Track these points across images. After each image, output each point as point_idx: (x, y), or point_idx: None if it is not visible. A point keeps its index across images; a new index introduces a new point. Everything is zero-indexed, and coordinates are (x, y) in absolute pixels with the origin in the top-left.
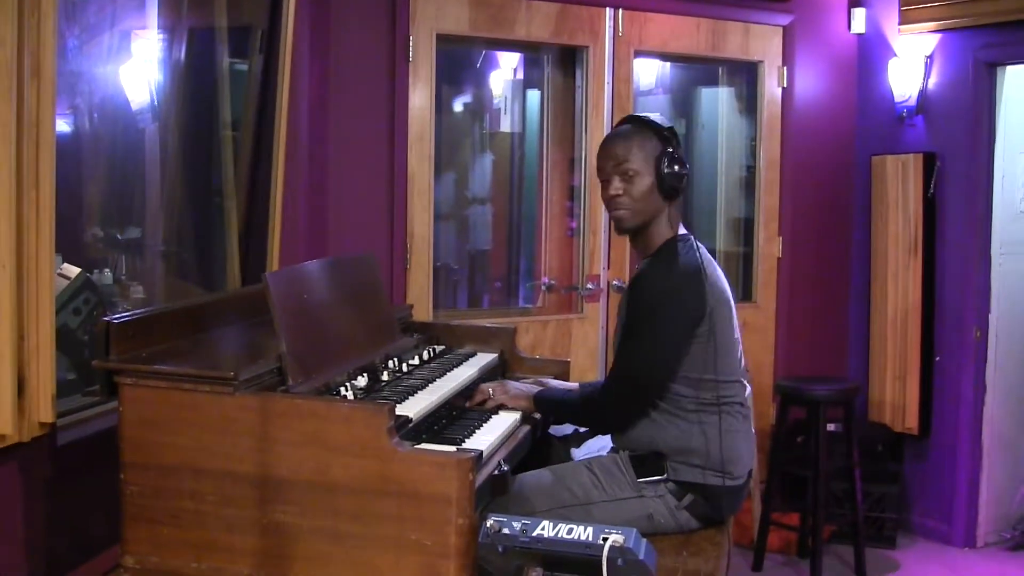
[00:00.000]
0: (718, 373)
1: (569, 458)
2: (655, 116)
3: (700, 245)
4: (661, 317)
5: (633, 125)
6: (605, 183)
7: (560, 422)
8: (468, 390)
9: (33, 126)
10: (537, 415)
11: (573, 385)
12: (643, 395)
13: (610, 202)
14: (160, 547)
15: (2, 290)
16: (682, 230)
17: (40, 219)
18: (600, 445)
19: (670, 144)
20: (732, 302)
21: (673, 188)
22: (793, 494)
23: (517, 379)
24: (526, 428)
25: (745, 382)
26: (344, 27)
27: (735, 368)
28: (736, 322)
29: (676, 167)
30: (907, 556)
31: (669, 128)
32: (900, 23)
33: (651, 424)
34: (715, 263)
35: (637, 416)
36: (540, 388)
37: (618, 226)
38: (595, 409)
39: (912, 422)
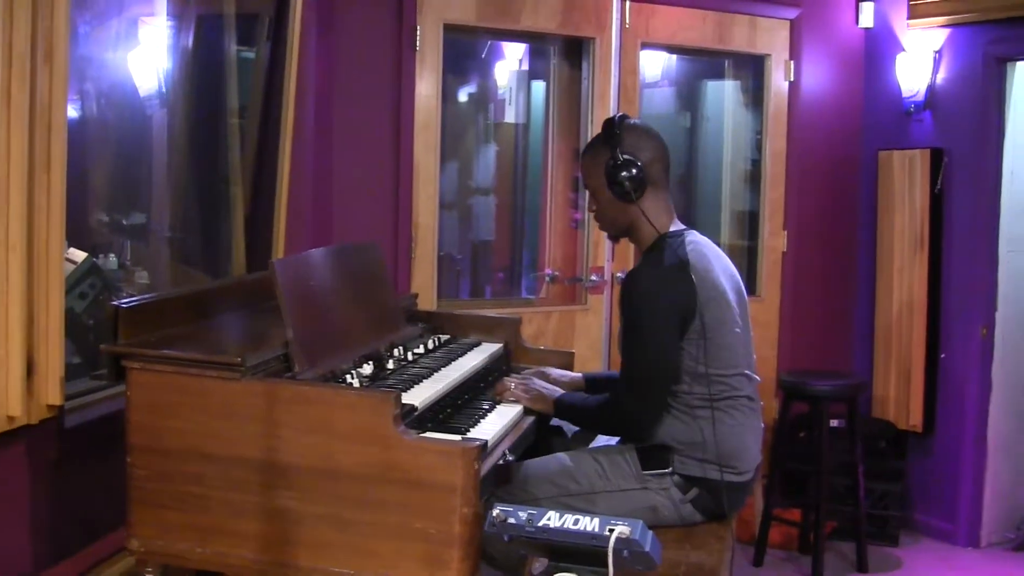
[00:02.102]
0: (711, 367)
1: (575, 446)
2: (614, 117)
3: (698, 240)
4: (649, 316)
5: (596, 136)
6: None
7: (581, 427)
8: (473, 379)
9: (45, 110)
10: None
11: (577, 375)
12: (657, 395)
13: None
14: (165, 531)
15: (13, 273)
16: (676, 225)
17: (51, 203)
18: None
19: (613, 149)
20: (733, 293)
21: (626, 192)
22: (795, 490)
23: (521, 370)
24: (531, 418)
25: (752, 374)
26: (351, 16)
27: (735, 361)
28: (742, 315)
29: (621, 172)
30: (909, 554)
31: (616, 130)
32: (909, 17)
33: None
34: (712, 256)
35: (656, 417)
36: (562, 392)
37: (608, 237)
38: (614, 416)
39: (916, 419)
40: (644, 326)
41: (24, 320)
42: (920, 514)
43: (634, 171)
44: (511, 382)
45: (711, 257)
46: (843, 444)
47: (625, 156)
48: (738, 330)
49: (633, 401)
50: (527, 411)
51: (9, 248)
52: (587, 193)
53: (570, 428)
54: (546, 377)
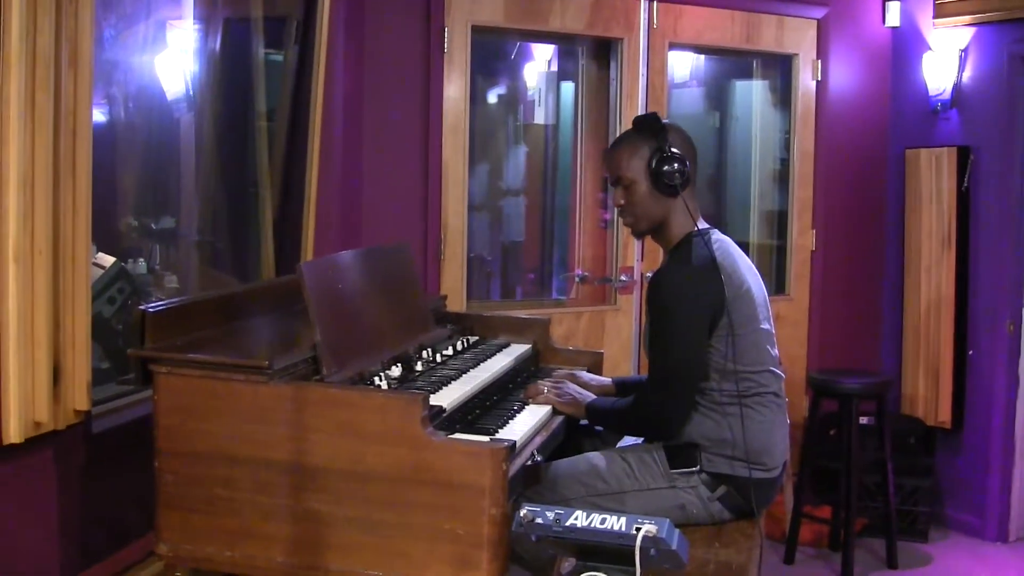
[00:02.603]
0: (739, 363)
1: (604, 446)
2: (655, 113)
3: (722, 238)
4: (680, 315)
5: (628, 132)
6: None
7: (611, 431)
8: (502, 380)
9: (70, 115)
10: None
11: (607, 380)
12: (684, 393)
13: (617, 211)
14: (194, 535)
15: (39, 278)
16: (702, 224)
17: (76, 207)
18: None
19: (662, 143)
20: (757, 292)
21: (670, 186)
22: (825, 487)
23: (550, 371)
24: (560, 418)
25: (779, 371)
26: (379, 18)
27: (761, 358)
28: (765, 312)
29: (668, 165)
30: (939, 549)
31: (662, 124)
32: (934, 16)
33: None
34: (738, 255)
35: (685, 415)
36: (594, 396)
37: (631, 233)
38: (643, 416)
39: (945, 416)
40: (674, 325)
41: (50, 325)
42: (949, 510)
43: (677, 164)
44: (544, 385)
45: (735, 255)
46: (872, 441)
47: (673, 149)
48: (763, 326)
49: (661, 400)
50: (556, 411)
51: (35, 252)
52: (619, 187)
53: None
54: (577, 380)
